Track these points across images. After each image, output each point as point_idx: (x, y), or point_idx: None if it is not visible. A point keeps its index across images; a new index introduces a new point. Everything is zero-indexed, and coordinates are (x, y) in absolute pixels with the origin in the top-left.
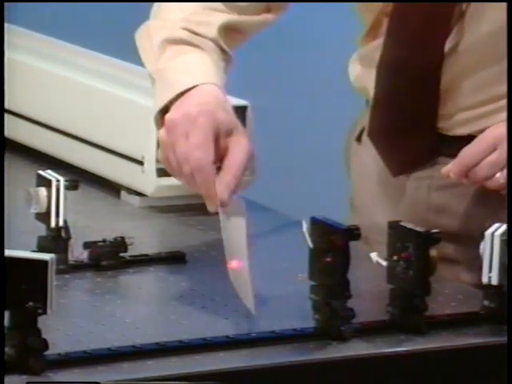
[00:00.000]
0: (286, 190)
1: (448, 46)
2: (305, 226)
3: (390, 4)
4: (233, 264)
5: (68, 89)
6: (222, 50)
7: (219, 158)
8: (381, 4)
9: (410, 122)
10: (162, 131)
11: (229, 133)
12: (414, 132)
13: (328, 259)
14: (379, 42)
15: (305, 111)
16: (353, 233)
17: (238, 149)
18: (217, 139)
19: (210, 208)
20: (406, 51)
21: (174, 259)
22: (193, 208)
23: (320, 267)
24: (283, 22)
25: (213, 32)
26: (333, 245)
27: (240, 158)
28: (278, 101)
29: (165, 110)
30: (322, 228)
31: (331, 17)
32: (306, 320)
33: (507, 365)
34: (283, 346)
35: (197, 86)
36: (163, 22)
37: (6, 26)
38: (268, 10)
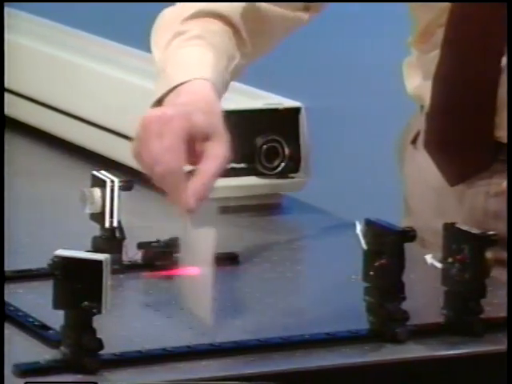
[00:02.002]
0: (340, 192)
1: (505, 60)
2: (359, 228)
3: (445, 15)
4: (192, 271)
5: (122, 91)
6: (240, 39)
7: (194, 162)
8: (436, 9)
9: (467, 134)
10: (139, 126)
11: (206, 137)
12: (471, 143)
13: (382, 261)
14: (435, 54)
15: (358, 112)
16: (408, 234)
17: (213, 155)
18: (192, 143)
19: (179, 212)
20: (462, 64)
21: (227, 260)
22: (246, 209)
23: (374, 269)
24: (337, 23)
25: (237, 10)
26: (387, 246)
27: (212, 166)
28: (331, 102)
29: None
30: (376, 229)
31: (385, 17)
32: (360, 322)
33: None
34: (337, 347)
35: (189, 80)
36: (180, 7)
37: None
38: (306, 9)
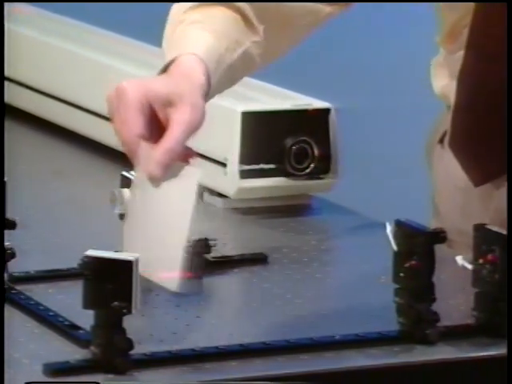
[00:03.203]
0: (370, 192)
1: None
2: (389, 229)
3: (469, 16)
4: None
5: None
6: (250, 25)
7: (161, 131)
8: (461, 10)
9: (491, 133)
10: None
11: (168, 103)
12: (495, 143)
13: (413, 262)
14: (461, 54)
15: (387, 112)
16: (438, 236)
17: (175, 121)
18: (154, 111)
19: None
20: (485, 63)
21: (256, 261)
22: (276, 210)
23: (404, 270)
24: (365, 23)
25: None
26: (418, 248)
27: (174, 131)
28: (360, 103)
29: None
30: (406, 230)
31: (413, 17)
32: (390, 323)
33: None
34: (367, 349)
35: (177, 57)
36: None
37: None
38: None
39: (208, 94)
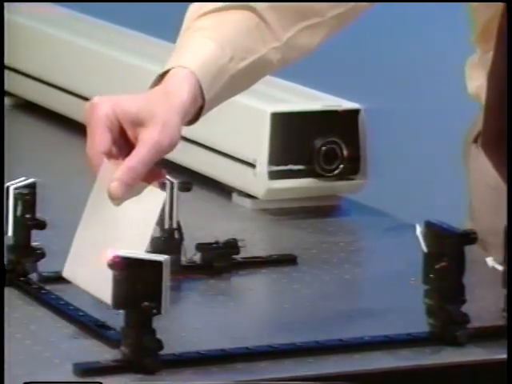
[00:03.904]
0: (400, 193)
1: None
2: (419, 230)
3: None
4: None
5: None
6: (269, 31)
7: (131, 149)
8: (493, 9)
9: None
10: None
11: (138, 123)
12: None
13: (443, 263)
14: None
15: (417, 112)
16: (468, 237)
17: (141, 141)
18: (123, 129)
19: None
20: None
21: (285, 262)
22: (304, 211)
23: (434, 271)
24: (397, 24)
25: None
26: (448, 249)
27: (140, 151)
28: (390, 103)
29: None
30: (436, 232)
31: (445, 17)
32: (419, 325)
33: None
34: (397, 350)
35: (170, 69)
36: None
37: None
38: None
39: (204, 108)
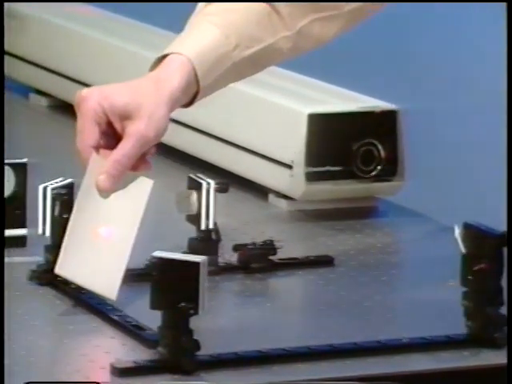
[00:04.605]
0: (437, 195)
1: None
2: (457, 232)
3: None
4: (104, 232)
5: (219, 94)
6: (280, 19)
7: (118, 140)
8: None
9: None
10: None
11: (125, 116)
12: None
13: (481, 265)
14: None
15: (456, 113)
16: (507, 238)
17: (127, 134)
18: (111, 122)
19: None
20: None
21: (322, 263)
22: (341, 212)
23: (473, 273)
24: (435, 23)
25: None
26: (486, 251)
27: (125, 144)
28: (427, 104)
29: None
30: (475, 233)
31: (482, 16)
32: (458, 327)
33: None
34: (435, 352)
35: (168, 54)
36: None
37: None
38: None
39: (199, 94)
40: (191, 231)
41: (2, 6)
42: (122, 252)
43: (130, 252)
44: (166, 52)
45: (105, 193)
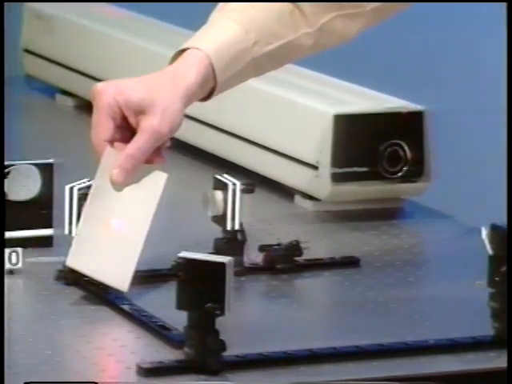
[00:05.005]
0: (464, 196)
1: None
2: (484, 233)
3: None
4: (116, 224)
5: (245, 95)
6: (301, 16)
7: (132, 133)
8: None
9: None
10: None
11: (139, 111)
12: None
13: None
14: None
15: (482, 114)
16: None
17: (141, 130)
18: (125, 116)
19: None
20: None
21: (348, 264)
22: (367, 213)
23: (500, 274)
24: (462, 24)
25: None
26: None
27: (139, 139)
28: (451, 104)
29: None
30: (502, 234)
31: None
32: (484, 328)
33: None
34: (462, 353)
35: (186, 49)
36: None
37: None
38: None
39: (216, 89)
40: (217, 232)
41: (2, 5)
42: (135, 244)
43: (142, 244)
44: (184, 46)
45: (118, 186)
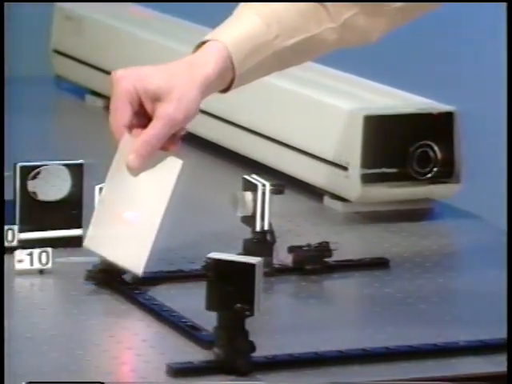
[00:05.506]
0: (495, 197)
1: None
2: None
3: None
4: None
5: (275, 96)
6: (325, 11)
7: (149, 120)
8: None
9: None
10: None
11: (156, 98)
12: None
13: None
14: None
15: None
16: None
17: (157, 115)
18: (143, 104)
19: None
20: None
21: (377, 265)
22: (397, 214)
23: None
24: (492, 26)
25: None
26: None
27: (155, 125)
28: (485, 105)
29: None
30: None
31: None
32: None
33: None
34: (492, 355)
35: (207, 41)
36: None
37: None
38: None
39: (235, 81)
40: (246, 232)
41: (2, 5)
42: (150, 229)
43: (157, 229)
44: (205, 39)
45: (134, 171)
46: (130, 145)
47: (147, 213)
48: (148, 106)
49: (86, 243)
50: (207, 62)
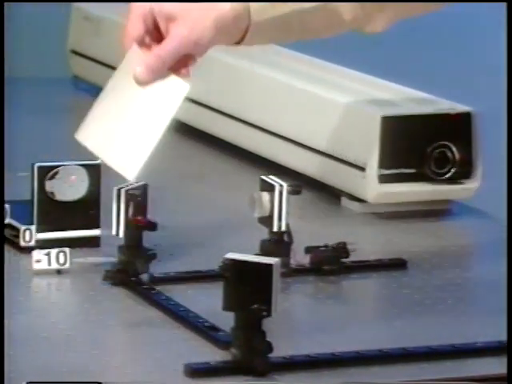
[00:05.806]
0: None
1: None
2: None
3: None
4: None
5: (292, 96)
6: None
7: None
8: None
9: None
10: None
11: (170, 18)
12: None
13: None
14: None
15: None
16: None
17: (173, 33)
18: (157, 23)
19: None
20: None
21: (395, 266)
22: (414, 214)
23: None
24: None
25: None
26: None
27: (168, 42)
28: (501, 105)
29: None
30: None
31: None
32: None
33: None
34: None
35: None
36: None
37: None
38: None
39: (250, 30)
40: (263, 233)
41: (2, 5)
42: (148, 140)
43: (158, 140)
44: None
45: (141, 84)
46: (138, 57)
47: (147, 124)
48: (162, 26)
49: (78, 135)
50: (224, 4)
